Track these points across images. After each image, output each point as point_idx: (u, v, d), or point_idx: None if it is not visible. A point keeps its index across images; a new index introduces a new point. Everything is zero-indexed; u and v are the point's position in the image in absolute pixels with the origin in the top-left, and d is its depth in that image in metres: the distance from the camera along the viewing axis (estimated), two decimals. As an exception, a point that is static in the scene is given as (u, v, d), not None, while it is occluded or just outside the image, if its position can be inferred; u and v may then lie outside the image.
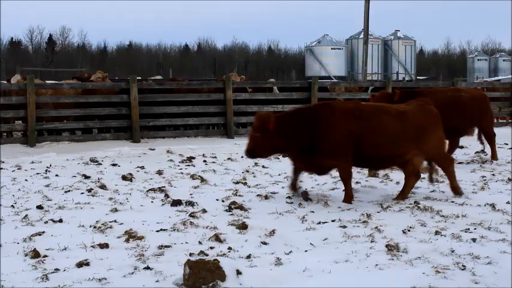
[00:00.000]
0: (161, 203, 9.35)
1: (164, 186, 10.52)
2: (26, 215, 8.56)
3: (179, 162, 13.86)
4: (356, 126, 9.12)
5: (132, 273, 6.09)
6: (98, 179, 11.52)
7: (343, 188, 9.39)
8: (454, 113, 12.95)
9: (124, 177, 11.50)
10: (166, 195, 9.74)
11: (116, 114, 19.30)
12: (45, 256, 6.60)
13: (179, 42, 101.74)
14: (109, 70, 50.49)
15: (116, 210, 8.95)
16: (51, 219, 8.30)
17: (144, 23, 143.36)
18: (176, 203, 9.19)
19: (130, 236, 7.30)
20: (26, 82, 18.41)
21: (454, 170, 9.79)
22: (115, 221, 8.12)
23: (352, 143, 9.09)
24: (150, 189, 10.29)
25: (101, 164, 13.78)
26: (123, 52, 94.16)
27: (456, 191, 9.67)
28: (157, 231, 7.62)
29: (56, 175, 12.19)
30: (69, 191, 10.45)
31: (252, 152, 9.30)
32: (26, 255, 6.67)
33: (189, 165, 13.34)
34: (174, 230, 7.67)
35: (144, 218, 8.40)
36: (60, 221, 8.26)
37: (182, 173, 12.15)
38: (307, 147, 9.13)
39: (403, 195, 9.46)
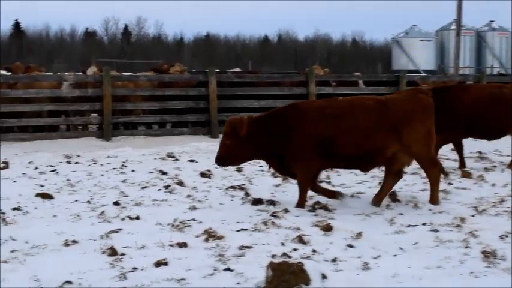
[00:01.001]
0: (241, 202, 9.40)
1: (244, 184, 10.58)
2: (103, 211, 8.74)
3: (259, 159, 13.89)
4: (324, 125, 8.86)
5: (212, 274, 6.12)
6: (176, 175, 11.66)
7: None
8: (491, 112, 12.45)
9: (202, 174, 11.61)
10: (247, 194, 9.79)
11: (193, 108, 19.51)
12: (122, 254, 6.71)
13: (258, 34, 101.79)
14: (185, 62, 51.02)
15: (194, 208, 9.04)
16: (128, 216, 8.45)
17: (222, 13, 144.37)
18: (257, 201, 9.23)
19: (209, 235, 7.36)
20: (102, 74, 18.79)
21: (438, 175, 9.21)
22: (194, 220, 8.19)
23: (316, 145, 8.83)
24: (229, 187, 10.36)
25: (178, 159, 13.97)
26: (200, 43, 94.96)
27: (433, 201, 9.09)
28: (238, 231, 7.66)
29: (132, 170, 12.42)
30: (146, 187, 10.63)
31: (222, 160, 9.20)
32: (103, 252, 6.79)
33: (269, 163, 13.35)
34: (255, 230, 7.70)
35: (224, 216, 8.47)
36: (137, 218, 8.39)
37: (263, 171, 12.17)
38: (279, 152, 9.00)
39: (378, 198, 9.16)
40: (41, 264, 6.44)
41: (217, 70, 21.76)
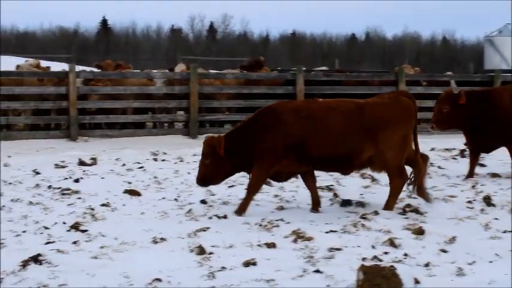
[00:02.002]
0: (330, 203, 9.37)
1: (332, 185, 10.53)
2: (190, 210, 8.85)
3: (347, 159, 13.80)
4: (300, 126, 8.73)
5: (301, 276, 6.11)
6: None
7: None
8: None
9: (289, 173, 11.60)
10: (335, 195, 9.74)
11: (280, 107, 19.50)
12: (211, 253, 6.77)
13: (345, 32, 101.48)
14: (270, 60, 51.12)
15: (282, 208, 9.07)
16: (216, 215, 8.52)
17: (309, 11, 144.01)
18: (346, 203, 9.20)
19: (298, 236, 7.35)
20: (189, 71, 19.02)
21: (400, 187, 8.95)
22: (281, 220, 8.21)
23: (287, 147, 8.70)
24: (317, 188, 10.30)
25: (264, 158, 13.97)
26: (286, 41, 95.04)
27: (388, 209, 8.83)
28: (327, 232, 7.64)
29: (219, 169, 12.48)
30: (232, 186, 10.68)
31: (204, 181, 9.04)
32: (191, 251, 6.87)
33: (357, 163, 13.25)
34: (345, 232, 7.65)
35: (312, 217, 8.49)
36: (225, 217, 8.46)
37: (351, 171, 12.11)
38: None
39: (420, 191, 9.13)
40: (130, 260, 6.56)
41: (304, 68, 21.71)
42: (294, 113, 8.84)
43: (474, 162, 11.80)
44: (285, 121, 8.80)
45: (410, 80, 20.64)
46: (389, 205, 8.89)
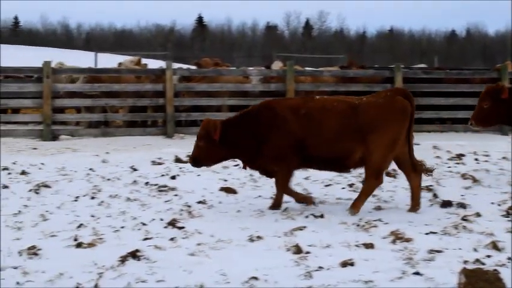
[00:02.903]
0: (429, 203, 9.23)
1: (432, 185, 10.37)
2: (286, 208, 8.89)
3: (447, 159, 13.62)
4: (298, 125, 8.71)
5: (400, 277, 6.04)
6: (359, 173, 11.59)
7: None
8: None
9: (387, 173, 11.48)
10: (435, 195, 9.59)
11: (378, 105, 19.37)
12: (307, 252, 6.77)
13: (445, 28, 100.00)
14: (367, 57, 50.80)
15: (379, 208, 9.01)
16: (312, 214, 8.52)
17: (407, 7, 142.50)
18: (446, 204, 9.05)
19: (397, 237, 7.27)
20: (285, 69, 19.10)
21: (373, 189, 8.90)
22: (379, 220, 8.14)
23: (293, 144, 8.70)
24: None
25: (361, 157, 13.90)
26: (383, 38, 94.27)
27: (353, 207, 8.68)
28: (426, 233, 7.53)
29: (315, 168, 12.48)
30: (329, 185, 10.66)
31: (196, 161, 9.16)
32: (287, 250, 6.88)
33: (458, 163, 13.06)
34: (445, 233, 7.53)
35: (411, 218, 8.38)
36: (321, 216, 8.45)
37: (451, 172, 11.92)
38: (254, 152, 8.88)
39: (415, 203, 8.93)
40: (226, 258, 6.62)
41: (403, 66, 21.45)
42: (294, 111, 8.87)
43: None
44: (288, 118, 8.83)
45: (514, 77, 20.17)
46: (355, 204, 8.78)
